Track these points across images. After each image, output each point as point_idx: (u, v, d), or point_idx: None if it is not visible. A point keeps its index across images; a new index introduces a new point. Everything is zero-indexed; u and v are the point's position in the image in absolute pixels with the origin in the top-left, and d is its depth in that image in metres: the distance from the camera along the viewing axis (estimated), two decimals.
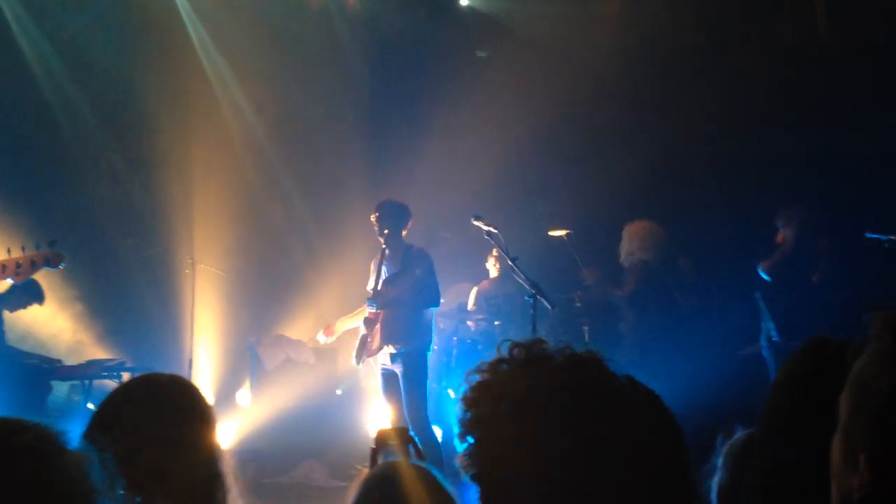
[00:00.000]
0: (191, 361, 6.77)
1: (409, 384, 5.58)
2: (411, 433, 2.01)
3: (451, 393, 7.35)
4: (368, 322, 5.71)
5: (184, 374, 6.72)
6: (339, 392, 7.41)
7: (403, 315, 5.65)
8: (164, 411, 1.84)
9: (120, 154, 7.44)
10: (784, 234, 6.14)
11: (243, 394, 7.43)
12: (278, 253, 7.99)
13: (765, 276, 6.12)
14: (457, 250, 7.99)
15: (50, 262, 4.18)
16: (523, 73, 8.10)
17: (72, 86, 7.22)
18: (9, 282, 4.29)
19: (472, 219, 5.97)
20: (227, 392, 7.41)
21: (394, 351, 5.67)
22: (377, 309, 5.64)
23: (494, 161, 8.16)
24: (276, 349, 7.20)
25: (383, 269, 5.78)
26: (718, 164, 7.59)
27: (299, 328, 7.64)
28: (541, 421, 1.04)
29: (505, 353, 1.11)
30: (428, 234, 8.17)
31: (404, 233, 5.80)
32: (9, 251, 4.10)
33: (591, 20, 8.01)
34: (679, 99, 7.62)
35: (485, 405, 1.08)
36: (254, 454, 6.33)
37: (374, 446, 1.96)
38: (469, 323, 7.87)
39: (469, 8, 8.69)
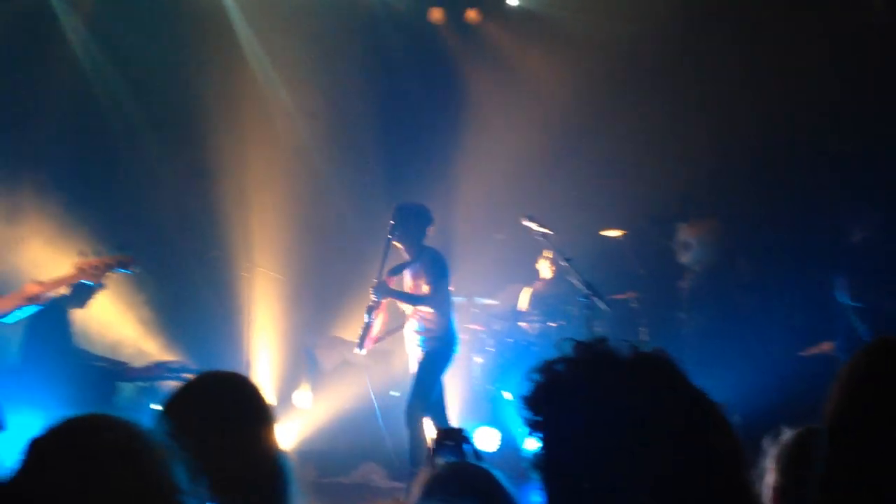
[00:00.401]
0: (249, 363, 6.89)
1: (417, 378, 5.65)
2: (466, 433, 2.01)
3: (507, 395, 7.33)
4: (370, 309, 5.76)
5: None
6: (395, 394, 7.45)
7: (422, 317, 5.71)
8: (226, 409, 1.85)
9: (178, 162, 7.61)
10: (859, 238, 5.90)
11: (301, 395, 7.53)
12: (333, 255, 8.08)
13: (849, 302, 5.79)
14: (511, 251, 7.98)
15: (123, 265, 4.33)
16: (575, 69, 8.04)
17: (129, 98, 7.41)
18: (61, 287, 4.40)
19: (524, 219, 5.95)
20: (285, 393, 7.52)
21: (420, 352, 5.75)
22: (378, 299, 5.69)
23: (546, 161, 8.13)
24: (332, 351, 7.28)
25: (405, 269, 5.82)
26: (778, 158, 7.42)
27: (355, 330, 7.70)
28: (610, 421, 1.03)
29: (567, 351, 1.11)
30: (481, 236, 8.19)
31: (426, 234, 5.80)
32: (84, 253, 4.25)
33: (640, 12, 7.91)
34: (735, 91, 7.47)
35: (550, 405, 1.08)
36: (313, 455, 6.41)
37: (431, 447, 1.96)
38: (522, 324, 7.84)
39: (519, 7, 8.67)
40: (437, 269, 5.70)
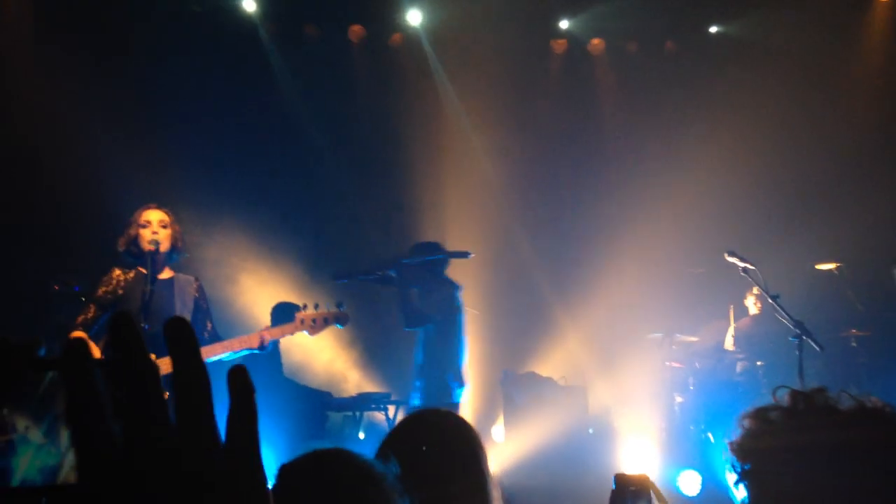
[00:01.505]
0: None
1: None
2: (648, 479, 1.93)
3: (711, 437, 7.01)
4: (377, 278, 5.70)
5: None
6: (590, 431, 7.33)
7: (424, 350, 5.48)
8: (443, 446, 1.90)
9: (380, 199, 8.01)
10: None
11: (497, 429, 7.60)
12: (528, 291, 8.13)
13: None
14: (713, 286, 7.65)
15: (338, 321, 4.69)
16: (782, 94, 7.65)
17: (335, 141, 7.91)
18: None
19: (727, 255, 5.68)
20: (482, 427, 7.62)
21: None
22: (393, 273, 5.55)
23: (750, 191, 7.76)
24: (526, 386, 7.29)
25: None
26: None
27: (549, 365, 7.69)
28: (826, 478, 0.97)
29: (781, 399, 1.06)
30: (680, 271, 7.93)
31: (442, 269, 5.63)
32: (304, 307, 4.62)
33: (855, 31, 7.39)
34: None
35: (761, 454, 1.04)
36: (508, 490, 6.43)
37: (613, 489, 1.91)
38: (737, 367, 7.48)
39: (719, 33, 8.41)
40: (443, 301, 5.50)
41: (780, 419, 1.05)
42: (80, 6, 6.92)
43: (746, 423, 1.09)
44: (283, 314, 5.50)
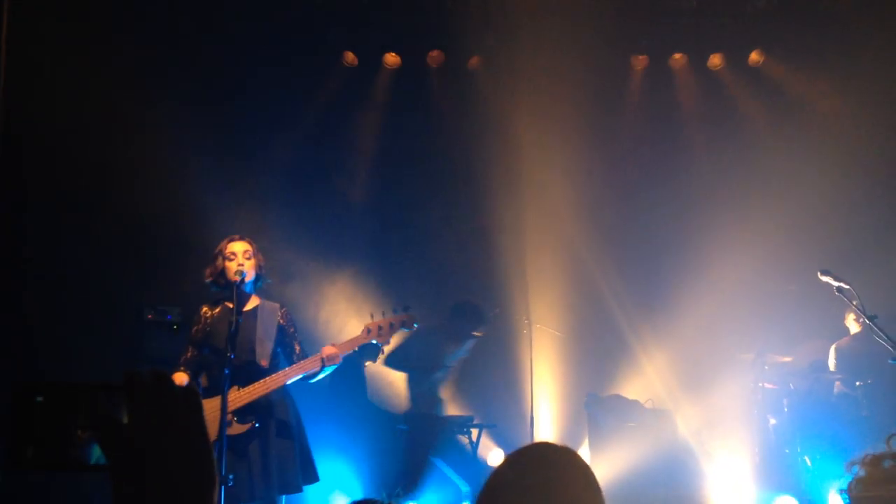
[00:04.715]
0: (532, 419, 6.98)
1: None
2: None
3: (808, 460, 6.73)
4: None
5: (525, 431, 6.95)
6: (679, 455, 7.12)
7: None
8: (556, 482, 1.76)
9: (464, 222, 8.01)
10: None
11: (582, 452, 7.47)
12: (612, 312, 7.97)
13: None
14: (807, 305, 7.35)
15: (405, 324, 4.73)
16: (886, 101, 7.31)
17: (413, 164, 7.98)
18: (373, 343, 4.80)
19: (820, 274, 5.50)
20: None
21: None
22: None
23: (848, 206, 7.45)
24: (612, 409, 7.15)
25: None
26: None
27: (635, 388, 7.53)
28: None
29: None
30: (772, 289, 7.67)
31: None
32: (371, 315, 4.68)
33: None
34: None
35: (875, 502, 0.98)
36: None
37: None
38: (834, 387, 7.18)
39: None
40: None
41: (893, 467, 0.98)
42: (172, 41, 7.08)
43: (859, 469, 1.02)
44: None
